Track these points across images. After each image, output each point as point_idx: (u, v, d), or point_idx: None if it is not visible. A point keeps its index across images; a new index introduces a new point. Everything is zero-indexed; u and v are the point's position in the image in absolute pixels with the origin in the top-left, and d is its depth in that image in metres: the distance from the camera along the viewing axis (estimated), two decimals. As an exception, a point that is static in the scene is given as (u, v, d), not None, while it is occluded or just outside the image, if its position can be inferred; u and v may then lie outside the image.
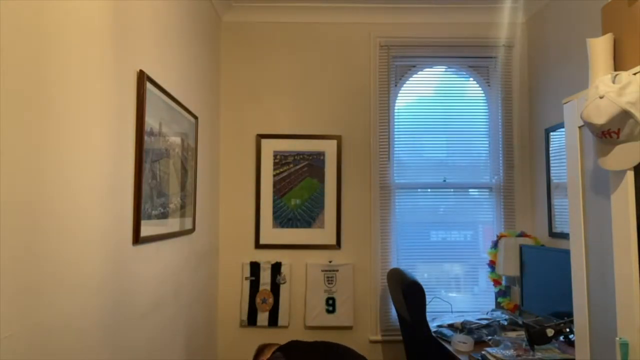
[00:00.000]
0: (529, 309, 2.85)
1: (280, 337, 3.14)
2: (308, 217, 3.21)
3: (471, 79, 3.37)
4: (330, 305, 3.14)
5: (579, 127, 1.63)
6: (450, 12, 3.27)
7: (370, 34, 3.31)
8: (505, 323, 2.77)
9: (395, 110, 3.32)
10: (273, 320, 3.13)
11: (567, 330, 2.16)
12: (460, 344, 2.43)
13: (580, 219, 1.62)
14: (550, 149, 2.97)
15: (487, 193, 3.31)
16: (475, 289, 3.29)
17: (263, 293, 3.12)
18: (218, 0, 3.03)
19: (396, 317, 3.13)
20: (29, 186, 1.11)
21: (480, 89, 3.36)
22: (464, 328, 2.67)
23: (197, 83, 2.63)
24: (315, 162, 3.24)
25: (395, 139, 3.31)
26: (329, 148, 3.24)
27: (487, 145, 3.34)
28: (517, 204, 3.26)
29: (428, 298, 2.65)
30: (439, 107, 3.35)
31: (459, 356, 2.36)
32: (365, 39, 3.31)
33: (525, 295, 2.87)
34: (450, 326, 2.74)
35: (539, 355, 2.19)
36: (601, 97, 1.39)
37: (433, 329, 2.73)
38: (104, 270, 1.50)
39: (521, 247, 2.93)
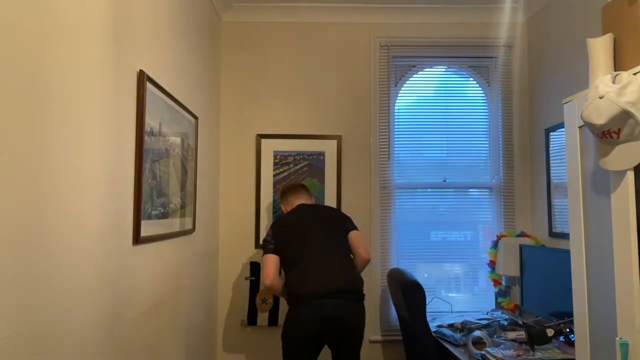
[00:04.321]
0: (529, 309, 2.85)
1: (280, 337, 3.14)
2: (308, 217, 3.20)
3: (471, 79, 3.37)
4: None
5: (579, 127, 1.63)
6: (450, 12, 3.27)
7: (370, 34, 3.31)
8: (505, 323, 2.77)
9: (395, 110, 3.32)
10: (273, 320, 3.12)
11: (567, 330, 2.16)
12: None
13: (580, 219, 1.62)
14: (550, 149, 2.97)
15: (487, 193, 3.31)
16: (475, 289, 3.29)
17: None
18: (218, 0, 3.03)
19: (396, 317, 3.13)
20: (28, 186, 1.11)
21: (480, 89, 3.36)
22: (464, 328, 2.67)
23: (197, 83, 2.63)
24: (315, 162, 3.24)
25: (395, 139, 3.31)
26: (329, 148, 3.24)
27: (487, 145, 3.34)
28: (517, 204, 3.26)
29: (428, 298, 2.66)
30: (439, 107, 3.34)
31: (461, 356, 2.36)
32: (365, 39, 3.31)
33: (525, 295, 2.87)
34: (450, 326, 2.74)
35: (539, 355, 2.19)
36: (601, 97, 1.39)
37: (433, 329, 2.73)
38: (104, 270, 1.50)
39: (521, 247, 2.93)
